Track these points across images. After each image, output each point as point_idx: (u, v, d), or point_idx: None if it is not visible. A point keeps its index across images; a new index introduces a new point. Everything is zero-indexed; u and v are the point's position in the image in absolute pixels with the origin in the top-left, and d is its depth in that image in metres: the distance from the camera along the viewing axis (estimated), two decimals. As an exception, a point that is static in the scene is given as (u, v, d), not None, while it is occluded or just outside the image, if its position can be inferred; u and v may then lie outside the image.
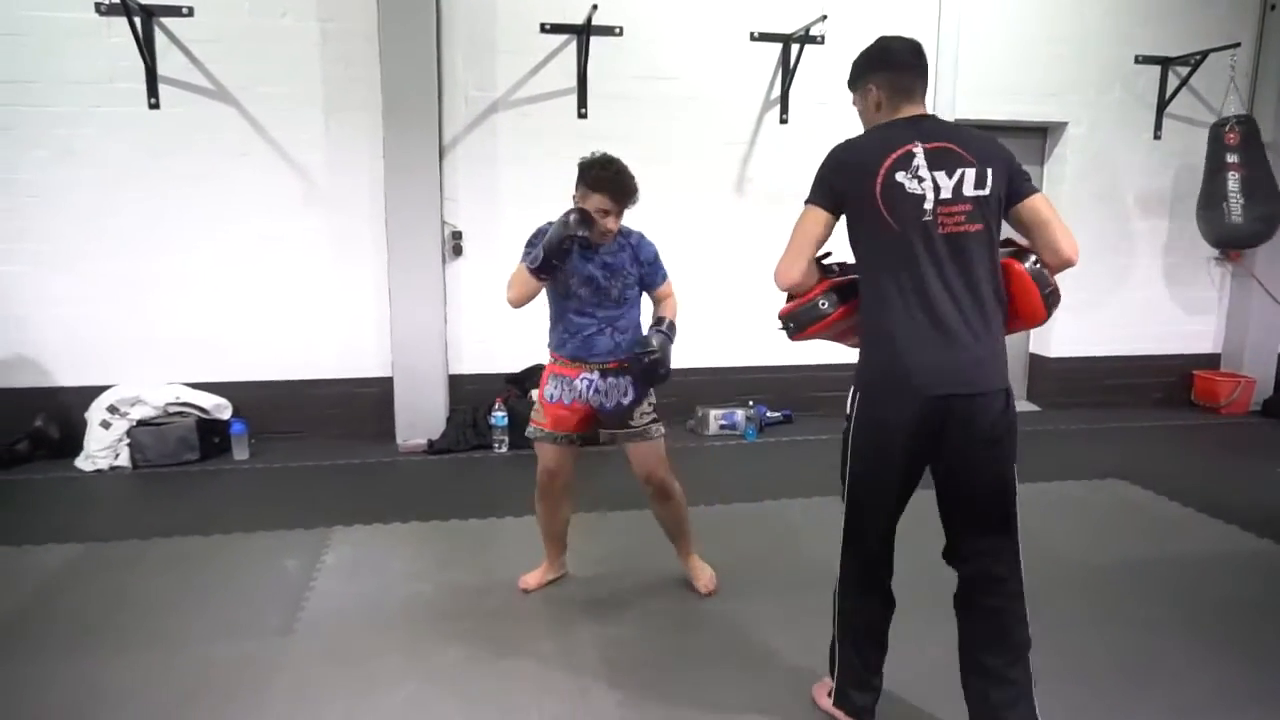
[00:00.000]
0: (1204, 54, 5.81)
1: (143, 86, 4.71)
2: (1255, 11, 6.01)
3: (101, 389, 4.79)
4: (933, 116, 2.02)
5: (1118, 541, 3.66)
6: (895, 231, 1.92)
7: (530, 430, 3.00)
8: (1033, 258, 2.01)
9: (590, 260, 2.81)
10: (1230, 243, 5.86)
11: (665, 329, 2.90)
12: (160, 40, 4.71)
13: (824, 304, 2.09)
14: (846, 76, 2.15)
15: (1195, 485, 4.36)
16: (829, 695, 2.28)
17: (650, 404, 2.96)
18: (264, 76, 4.86)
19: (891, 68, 2.05)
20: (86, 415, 4.70)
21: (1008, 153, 1.99)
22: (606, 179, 2.72)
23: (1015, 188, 1.97)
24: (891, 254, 1.94)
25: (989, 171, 1.93)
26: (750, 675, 2.56)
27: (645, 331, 2.91)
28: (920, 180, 1.91)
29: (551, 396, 2.93)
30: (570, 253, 2.72)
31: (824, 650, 2.29)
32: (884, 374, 1.99)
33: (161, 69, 4.74)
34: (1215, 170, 5.72)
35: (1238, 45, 5.76)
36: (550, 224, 2.76)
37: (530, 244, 2.84)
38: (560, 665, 2.63)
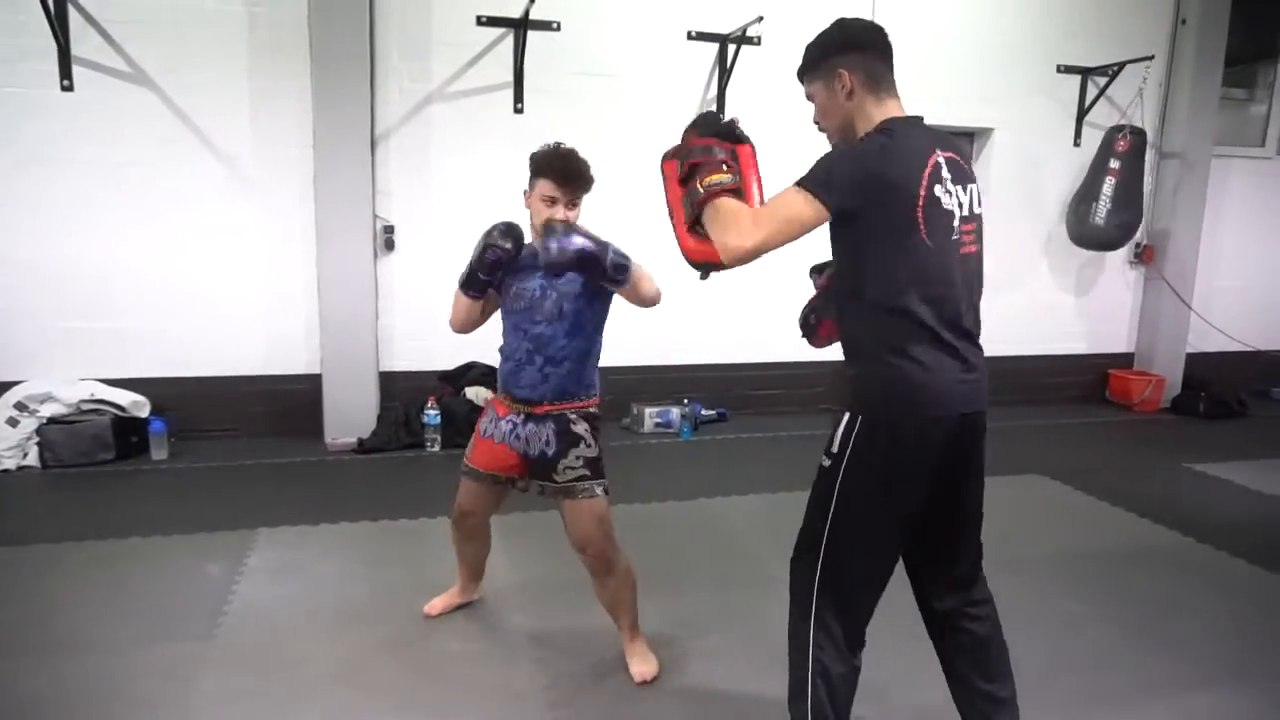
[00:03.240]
0: (1121, 65, 6.05)
1: (54, 67, 4.49)
2: (1168, 26, 6.29)
3: (10, 385, 4.55)
4: (922, 119, 1.84)
5: (1036, 535, 3.78)
6: (930, 249, 1.75)
7: (464, 460, 2.67)
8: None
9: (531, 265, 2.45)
10: (1086, 243, 6.13)
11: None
12: (74, 19, 4.49)
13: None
14: (800, 65, 1.93)
15: (1110, 480, 4.53)
16: None
17: (581, 457, 2.45)
18: (187, 61, 4.66)
19: (863, 48, 1.84)
20: (-8, 412, 4.47)
21: None
22: (549, 160, 2.43)
23: None
24: (924, 273, 1.76)
25: (978, 188, 1.87)
26: (680, 673, 2.58)
27: (593, 377, 2.55)
28: (949, 194, 1.77)
29: (484, 430, 2.59)
30: (499, 267, 2.43)
31: (753, 651, 2.30)
32: (909, 399, 1.78)
33: (75, 50, 4.51)
34: (1097, 171, 6.01)
35: (1151, 58, 6.02)
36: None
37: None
38: (494, 667, 2.61)
